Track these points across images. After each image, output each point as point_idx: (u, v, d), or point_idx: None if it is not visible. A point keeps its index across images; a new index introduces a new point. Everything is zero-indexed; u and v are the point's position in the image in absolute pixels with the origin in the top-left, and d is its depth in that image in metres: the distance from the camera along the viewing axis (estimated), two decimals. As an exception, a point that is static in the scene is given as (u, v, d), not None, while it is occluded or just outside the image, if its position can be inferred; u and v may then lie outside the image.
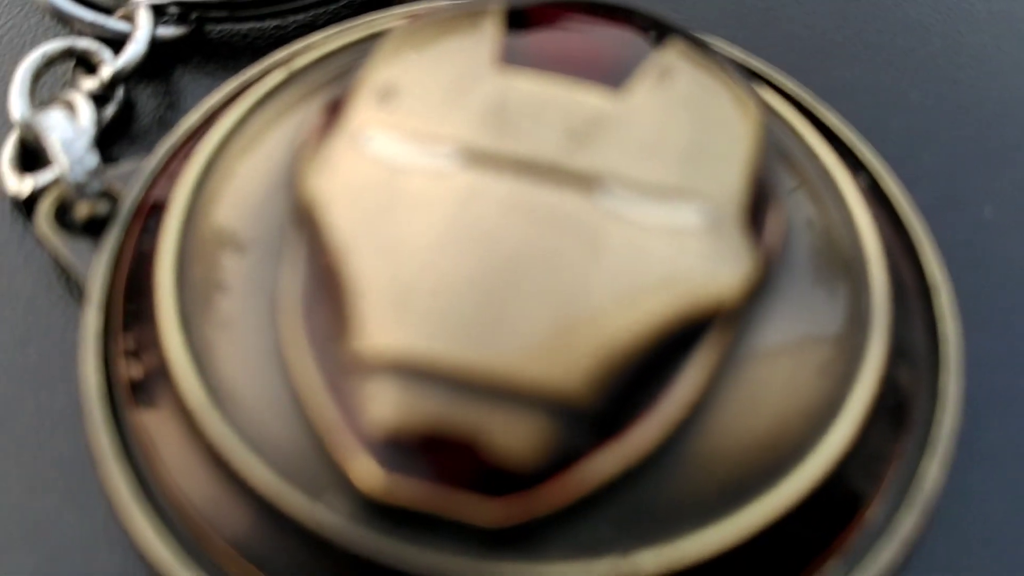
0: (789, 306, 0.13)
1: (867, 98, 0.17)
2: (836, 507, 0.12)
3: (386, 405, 0.11)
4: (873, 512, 0.13)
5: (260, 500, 0.11)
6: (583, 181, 0.12)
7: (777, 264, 0.13)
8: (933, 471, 0.13)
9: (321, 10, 0.18)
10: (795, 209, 0.14)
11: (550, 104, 0.12)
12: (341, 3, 0.18)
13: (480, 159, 0.12)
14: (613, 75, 0.13)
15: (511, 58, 0.13)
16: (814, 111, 0.16)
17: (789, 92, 0.16)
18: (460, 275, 0.11)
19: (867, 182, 0.15)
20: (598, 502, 0.11)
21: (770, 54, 0.18)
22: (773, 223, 0.13)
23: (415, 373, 0.11)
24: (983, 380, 0.14)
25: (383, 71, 0.13)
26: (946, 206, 0.16)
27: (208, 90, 0.17)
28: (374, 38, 0.16)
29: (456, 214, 0.12)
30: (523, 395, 0.11)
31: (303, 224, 0.12)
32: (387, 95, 0.13)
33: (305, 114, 0.14)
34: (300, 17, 0.18)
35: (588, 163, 0.12)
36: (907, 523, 0.12)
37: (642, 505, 0.11)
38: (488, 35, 0.13)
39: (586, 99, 0.13)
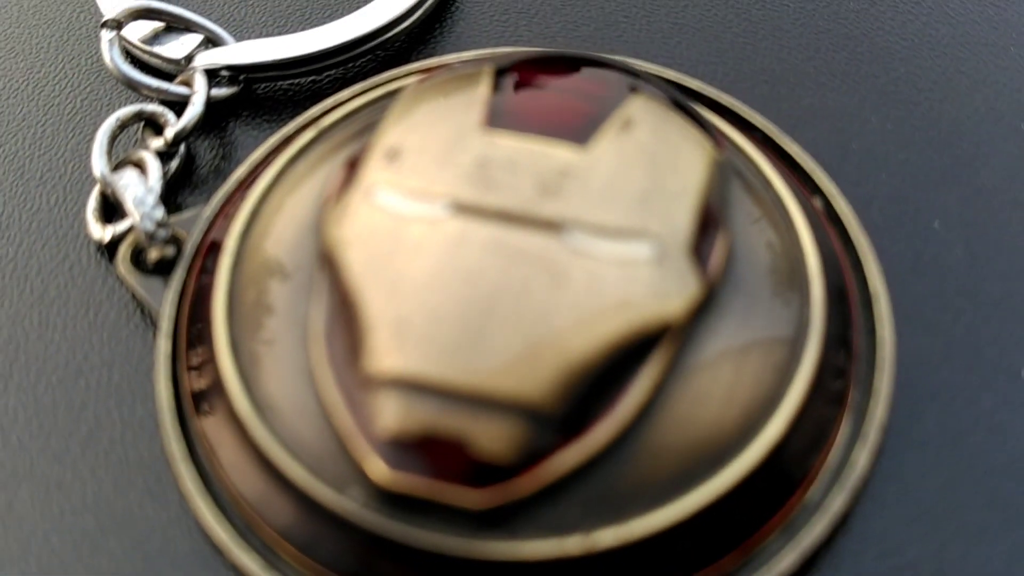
0: (734, 317, 0.15)
1: (831, 123, 0.19)
2: (775, 488, 0.14)
3: (390, 415, 0.13)
4: (811, 493, 0.15)
5: (297, 493, 0.14)
6: (550, 226, 0.14)
7: (721, 284, 0.15)
8: (863, 458, 0.15)
9: (351, 64, 0.21)
10: (758, 234, 0.16)
11: (524, 161, 0.15)
12: (366, 58, 0.21)
13: (466, 210, 0.15)
14: (581, 131, 0.15)
15: (495, 121, 0.15)
16: (778, 141, 0.18)
17: (757, 125, 0.19)
18: (448, 308, 0.14)
19: (823, 204, 0.18)
20: (564, 490, 0.14)
21: (745, 87, 0.20)
22: (719, 250, 0.15)
23: (413, 389, 0.13)
24: (921, 376, 0.16)
25: (390, 135, 0.16)
26: (899, 220, 0.18)
27: (256, 140, 0.20)
28: (389, 96, 0.18)
29: (446, 256, 0.14)
30: (500, 404, 0.13)
31: (326, 265, 0.15)
32: (393, 156, 0.15)
33: (330, 168, 0.17)
34: (333, 72, 0.21)
35: (555, 210, 0.14)
36: (838, 502, 0.15)
37: (601, 492, 0.14)
38: (478, 98, 0.16)
39: (555, 155, 0.15)
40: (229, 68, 0.20)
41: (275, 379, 0.15)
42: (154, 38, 0.21)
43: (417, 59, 0.21)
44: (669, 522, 0.14)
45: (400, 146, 0.15)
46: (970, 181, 0.19)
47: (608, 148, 0.15)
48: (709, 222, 0.15)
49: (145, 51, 0.21)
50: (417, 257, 0.14)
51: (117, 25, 0.20)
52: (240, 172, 0.18)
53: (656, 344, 0.14)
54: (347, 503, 0.14)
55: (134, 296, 0.18)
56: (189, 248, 0.18)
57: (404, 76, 0.19)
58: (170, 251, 0.18)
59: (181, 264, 0.17)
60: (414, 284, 0.14)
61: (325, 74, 0.21)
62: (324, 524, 0.14)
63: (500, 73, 0.17)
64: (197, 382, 0.16)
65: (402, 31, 0.21)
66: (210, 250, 0.17)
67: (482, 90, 0.16)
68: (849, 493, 0.15)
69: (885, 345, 0.16)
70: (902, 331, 0.17)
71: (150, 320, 0.18)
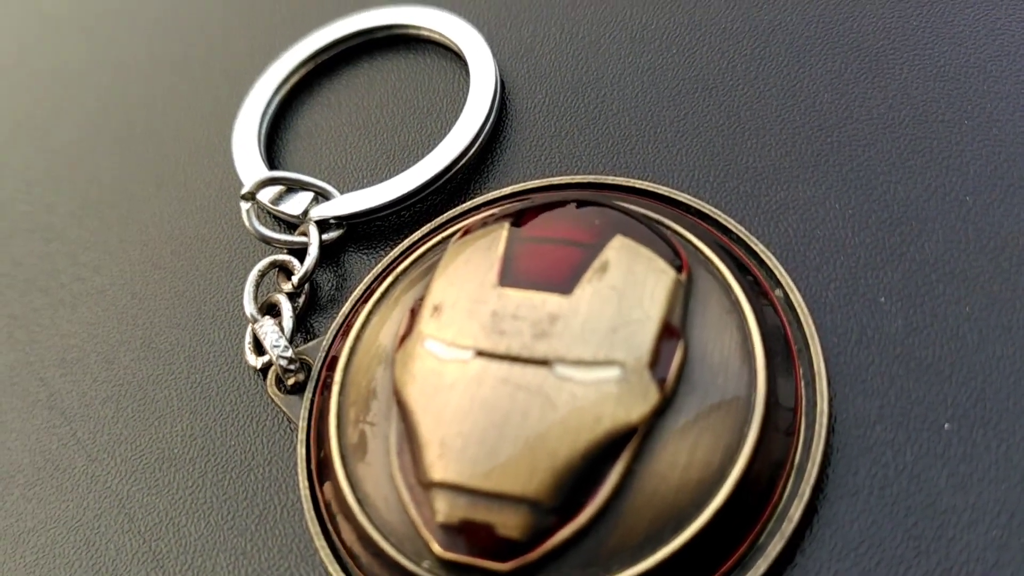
0: (688, 411, 0.20)
1: (800, 213, 0.24)
2: (725, 541, 0.20)
3: (440, 510, 0.19)
4: (762, 540, 0.20)
5: (390, 562, 0.20)
6: (543, 362, 0.20)
7: (678, 385, 0.20)
8: (798, 513, 0.20)
9: (427, 200, 0.27)
10: (729, 323, 0.21)
11: (524, 312, 0.20)
12: (436, 194, 0.27)
13: (484, 354, 0.20)
14: (567, 281, 0.21)
15: (505, 280, 0.21)
16: (749, 242, 0.23)
17: (732, 229, 0.23)
18: (473, 431, 0.20)
19: (783, 295, 0.22)
20: (564, 556, 0.19)
21: (731, 185, 0.25)
22: (676, 359, 0.20)
23: (453, 491, 0.19)
24: (858, 435, 0.21)
25: (436, 291, 0.22)
26: (850, 298, 0.22)
27: (359, 270, 0.27)
28: (442, 244, 0.24)
29: (471, 391, 0.20)
30: (512, 499, 0.19)
31: (395, 396, 0.21)
32: (436, 311, 0.21)
33: (401, 310, 0.23)
34: (415, 208, 0.27)
35: (546, 350, 0.20)
36: (777, 548, 0.19)
37: (591, 555, 0.19)
38: (495, 258, 0.22)
39: (547, 303, 0.20)
40: (335, 218, 0.27)
41: (371, 481, 0.21)
42: (278, 198, 0.27)
43: (474, 188, 0.27)
44: (643, 571, 0.19)
45: (441, 303, 0.21)
46: (915, 256, 0.22)
47: (586, 292, 0.21)
48: (669, 335, 0.20)
49: (273, 210, 0.27)
50: (453, 392, 0.20)
51: (252, 196, 0.27)
52: (345, 308, 0.25)
53: (625, 443, 0.19)
54: (422, 571, 0.20)
55: (280, 410, 0.25)
56: (315, 371, 0.24)
57: (459, 215, 0.25)
58: (301, 376, 0.24)
59: (309, 386, 0.24)
60: (451, 414, 0.20)
61: (405, 214, 0.27)
62: (409, 583, 0.20)
63: (515, 224, 0.22)
64: (323, 478, 0.23)
65: (461, 167, 0.27)
66: (329, 369, 0.24)
67: (500, 248, 0.22)
68: (785, 540, 0.19)
69: (823, 417, 0.21)
70: (845, 396, 0.21)
71: (293, 428, 0.24)
